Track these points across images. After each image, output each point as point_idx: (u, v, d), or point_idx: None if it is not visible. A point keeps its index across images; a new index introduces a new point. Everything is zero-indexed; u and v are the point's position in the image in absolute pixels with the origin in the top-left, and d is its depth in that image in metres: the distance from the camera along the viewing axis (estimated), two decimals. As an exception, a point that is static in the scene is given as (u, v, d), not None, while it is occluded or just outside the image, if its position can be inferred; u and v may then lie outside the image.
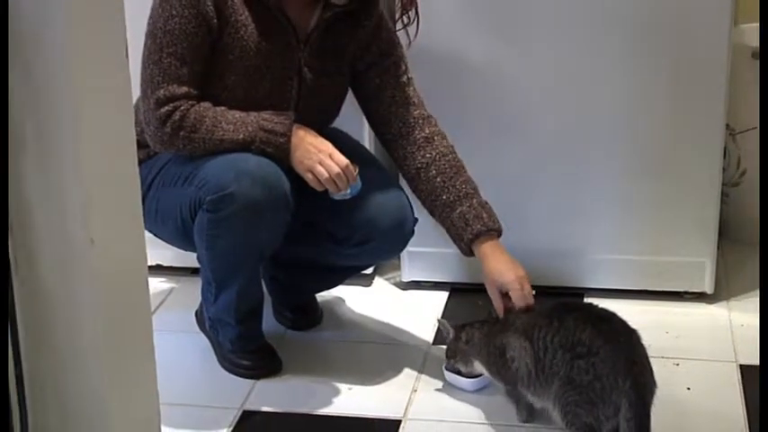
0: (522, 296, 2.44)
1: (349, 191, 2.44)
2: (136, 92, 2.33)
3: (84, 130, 1.53)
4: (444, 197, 2.53)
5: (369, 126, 2.71)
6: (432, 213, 2.58)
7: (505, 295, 2.46)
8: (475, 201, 2.53)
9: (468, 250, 2.52)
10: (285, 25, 2.48)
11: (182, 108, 2.40)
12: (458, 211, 2.52)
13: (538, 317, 2.32)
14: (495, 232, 2.52)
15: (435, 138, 2.58)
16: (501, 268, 2.47)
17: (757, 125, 3.17)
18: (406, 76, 2.61)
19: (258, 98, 2.46)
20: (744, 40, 3.18)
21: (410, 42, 2.58)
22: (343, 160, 2.42)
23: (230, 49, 2.44)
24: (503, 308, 2.47)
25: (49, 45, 1.49)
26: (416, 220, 2.62)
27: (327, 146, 2.44)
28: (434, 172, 2.55)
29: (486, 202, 2.54)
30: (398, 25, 2.58)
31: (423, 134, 2.57)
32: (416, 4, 2.55)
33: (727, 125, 2.98)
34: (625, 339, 2.21)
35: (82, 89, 1.53)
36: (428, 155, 2.56)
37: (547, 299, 2.52)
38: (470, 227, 2.50)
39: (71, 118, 1.52)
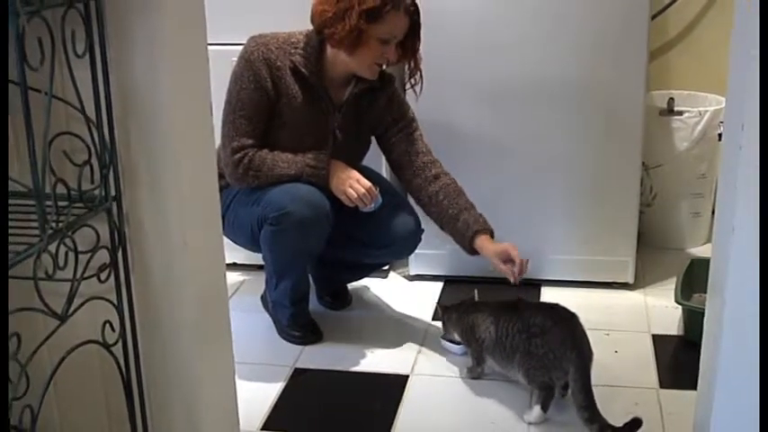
0: (517, 255, 2.41)
1: (373, 206, 2.43)
2: (218, 139, 2.32)
3: (180, 166, 1.54)
4: (451, 211, 2.50)
5: (388, 166, 2.69)
6: (441, 224, 2.54)
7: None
8: (474, 211, 2.51)
9: (469, 245, 2.48)
10: (324, 98, 2.47)
11: (249, 154, 2.40)
12: (462, 218, 2.49)
13: (501, 307, 2.30)
14: (489, 231, 2.49)
15: (441, 175, 2.55)
16: (499, 246, 2.45)
17: (664, 163, 3.15)
18: (416, 133, 2.58)
19: (303, 150, 2.45)
20: (653, 103, 3.17)
21: (417, 97, 2.55)
22: (367, 183, 2.42)
23: (283, 113, 2.44)
24: (511, 273, 2.42)
25: (157, 108, 1.49)
26: (423, 230, 2.61)
27: (355, 174, 2.43)
28: (442, 197, 2.52)
29: (482, 215, 2.51)
30: (407, 86, 2.55)
31: (432, 173, 2.54)
32: (420, 70, 2.51)
33: (643, 163, 2.95)
34: (569, 321, 2.19)
35: (179, 138, 1.53)
36: (437, 186, 2.53)
37: (511, 289, 2.50)
38: (472, 227, 2.47)
39: (172, 158, 1.52)
